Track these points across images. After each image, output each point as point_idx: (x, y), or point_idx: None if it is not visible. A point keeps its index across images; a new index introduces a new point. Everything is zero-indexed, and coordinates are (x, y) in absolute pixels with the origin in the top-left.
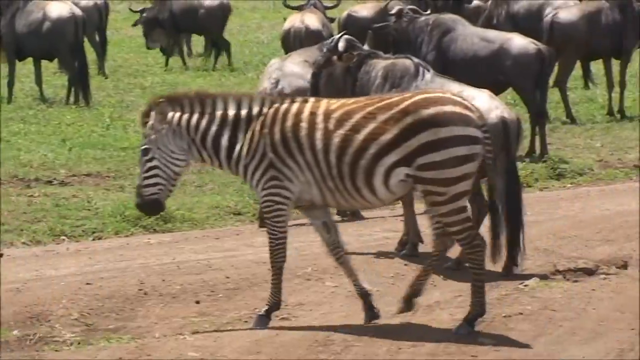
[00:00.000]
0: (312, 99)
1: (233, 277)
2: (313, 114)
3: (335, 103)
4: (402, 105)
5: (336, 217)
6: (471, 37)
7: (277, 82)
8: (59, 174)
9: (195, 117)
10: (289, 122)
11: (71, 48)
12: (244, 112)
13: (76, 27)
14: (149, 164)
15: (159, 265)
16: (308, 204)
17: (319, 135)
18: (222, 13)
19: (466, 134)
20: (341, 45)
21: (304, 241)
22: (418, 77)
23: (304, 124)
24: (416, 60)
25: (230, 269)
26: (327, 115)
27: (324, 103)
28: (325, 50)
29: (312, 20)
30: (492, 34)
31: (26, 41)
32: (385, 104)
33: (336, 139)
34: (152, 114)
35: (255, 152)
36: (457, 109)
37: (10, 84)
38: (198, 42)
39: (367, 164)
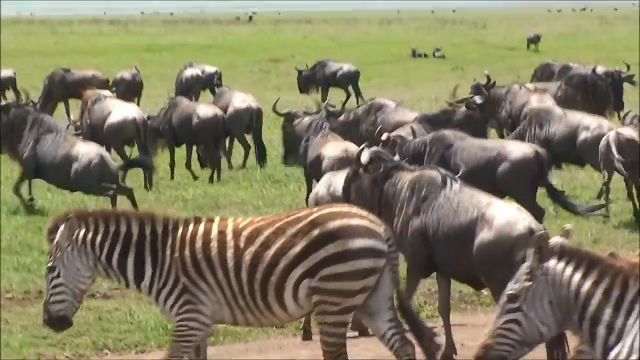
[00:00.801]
0: (217, 218)
1: None
2: (222, 233)
3: (243, 221)
4: (309, 219)
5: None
6: (471, 147)
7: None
8: (101, 287)
9: (100, 235)
10: (199, 243)
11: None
12: (147, 231)
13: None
14: (55, 281)
15: None
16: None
17: (229, 254)
18: (216, 124)
19: (371, 247)
20: (364, 158)
21: None
22: (446, 187)
23: (214, 244)
24: (443, 171)
25: None
26: (237, 234)
27: (231, 221)
28: (353, 163)
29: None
30: (489, 143)
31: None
32: (294, 218)
33: (247, 256)
34: (59, 230)
35: (168, 277)
36: (363, 222)
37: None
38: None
39: (277, 280)
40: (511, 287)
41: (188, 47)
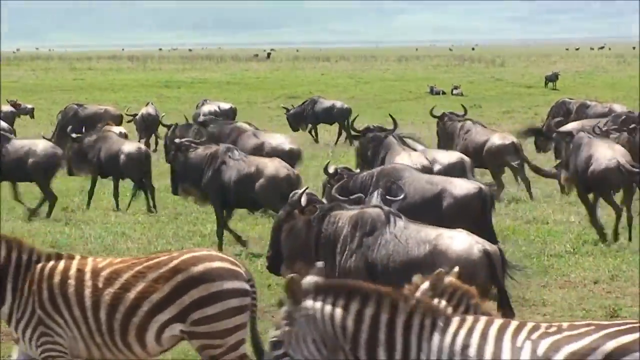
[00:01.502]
0: (78, 256)
1: None
2: (80, 271)
3: (102, 261)
4: (171, 264)
5: None
6: (418, 181)
7: None
8: None
9: None
10: (57, 279)
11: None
12: (13, 257)
13: None
14: None
15: None
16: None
17: (87, 292)
18: (139, 158)
19: (236, 287)
20: (304, 200)
21: None
22: (390, 224)
23: (71, 281)
24: (386, 208)
25: None
26: (96, 273)
27: (91, 261)
28: (287, 205)
29: None
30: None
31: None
32: (154, 263)
33: (106, 297)
34: None
35: (25, 308)
36: (225, 265)
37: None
38: None
39: (140, 321)
40: (273, 335)
41: (206, 84)
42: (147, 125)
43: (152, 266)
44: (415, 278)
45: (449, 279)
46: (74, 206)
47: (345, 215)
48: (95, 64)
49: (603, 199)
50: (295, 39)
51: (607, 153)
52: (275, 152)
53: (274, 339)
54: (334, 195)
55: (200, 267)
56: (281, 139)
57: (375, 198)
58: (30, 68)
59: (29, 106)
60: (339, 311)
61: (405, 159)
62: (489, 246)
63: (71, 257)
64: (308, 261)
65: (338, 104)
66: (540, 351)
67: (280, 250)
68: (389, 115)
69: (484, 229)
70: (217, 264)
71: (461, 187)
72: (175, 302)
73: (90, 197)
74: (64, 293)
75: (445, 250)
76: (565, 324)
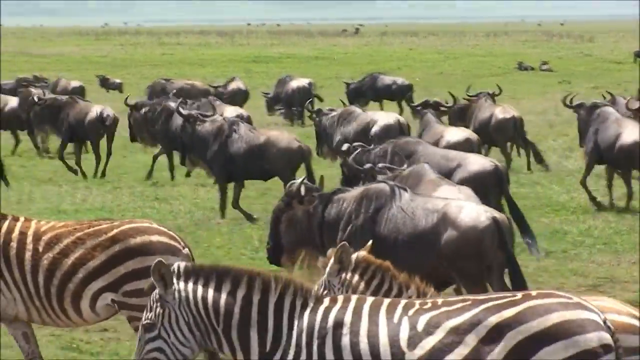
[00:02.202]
0: (22, 218)
1: None
2: (23, 234)
3: (45, 225)
4: (110, 233)
5: None
6: (432, 155)
7: None
8: None
9: None
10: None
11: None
12: None
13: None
14: None
15: None
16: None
17: (27, 255)
18: (102, 124)
19: (171, 263)
20: (303, 190)
21: None
22: (396, 197)
23: (13, 244)
24: (391, 182)
25: None
26: (37, 237)
27: (34, 224)
28: (284, 196)
29: None
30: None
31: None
32: (95, 230)
33: (45, 261)
34: None
35: None
36: (164, 239)
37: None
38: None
39: (75, 288)
40: (145, 317)
41: (294, 59)
42: (236, 101)
43: (92, 233)
44: (329, 252)
45: (362, 253)
46: (163, 181)
47: (349, 196)
48: (184, 39)
49: (623, 177)
50: (384, 14)
51: (635, 130)
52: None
53: (147, 321)
54: (351, 164)
55: (138, 239)
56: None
57: (378, 168)
58: (119, 43)
59: (118, 81)
60: (211, 293)
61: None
62: (497, 214)
63: (16, 219)
64: (311, 250)
65: (399, 80)
66: (420, 327)
67: (280, 241)
68: (449, 92)
69: (499, 206)
70: (155, 238)
71: (477, 162)
72: (110, 271)
73: (171, 171)
74: (5, 254)
75: (454, 219)
76: (439, 300)
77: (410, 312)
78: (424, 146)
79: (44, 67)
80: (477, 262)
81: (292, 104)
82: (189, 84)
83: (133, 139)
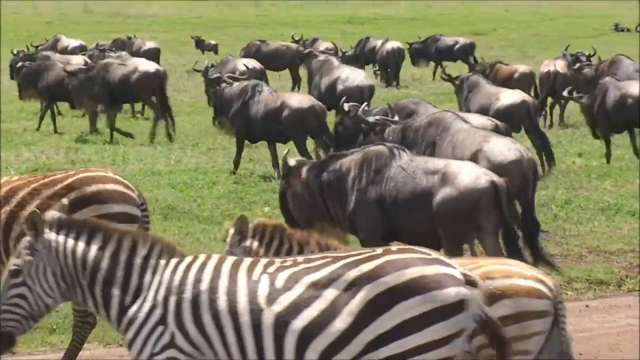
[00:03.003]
0: None
1: None
2: None
3: (1, 180)
4: (66, 182)
5: None
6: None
7: None
8: None
9: None
10: None
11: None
12: None
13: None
14: None
15: None
16: None
17: None
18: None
19: (125, 211)
20: (291, 163)
21: None
22: (396, 158)
23: None
24: (389, 144)
25: None
26: None
27: None
28: (282, 174)
29: None
30: None
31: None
32: (50, 180)
33: (3, 215)
34: None
35: None
36: (118, 187)
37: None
38: None
39: None
40: (14, 262)
41: (390, 20)
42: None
43: (48, 183)
44: (226, 224)
45: (257, 220)
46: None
47: (347, 160)
48: None
49: (631, 137)
50: None
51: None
52: None
53: (14, 266)
54: (360, 116)
55: (93, 188)
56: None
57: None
58: (214, 4)
59: (213, 42)
60: (81, 246)
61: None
62: (496, 178)
63: None
64: (323, 219)
65: (461, 40)
66: (279, 283)
67: (293, 218)
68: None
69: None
70: (110, 186)
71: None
72: None
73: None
74: None
75: (453, 179)
76: (300, 258)
77: (270, 270)
78: (424, 106)
79: (139, 28)
80: (467, 223)
81: (387, 66)
82: (284, 46)
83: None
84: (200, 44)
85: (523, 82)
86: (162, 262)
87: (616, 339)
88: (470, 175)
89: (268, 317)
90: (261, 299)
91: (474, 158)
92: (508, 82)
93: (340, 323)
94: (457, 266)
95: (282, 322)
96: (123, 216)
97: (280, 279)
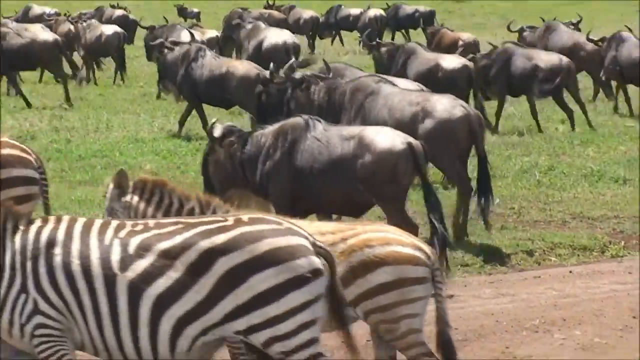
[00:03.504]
0: None
1: (461, 329)
2: None
3: None
4: None
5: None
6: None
7: None
8: None
9: None
10: None
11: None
12: None
13: None
14: None
15: None
16: None
17: None
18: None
19: (23, 175)
20: (217, 132)
21: (531, 292)
22: (310, 129)
23: None
24: (305, 116)
25: (459, 320)
26: None
27: None
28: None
29: None
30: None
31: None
32: None
33: None
34: None
35: None
36: (15, 152)
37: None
38: None
39: None
40: None
41: None
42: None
43: None
44: (106, 180)
45: (141, 175)
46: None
47: (267, 132)
48: None
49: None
50: None
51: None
52: None
53: None
54: (286, 72)
55: None
56: None
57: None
58: None
59: (195, 10)
60: None
61: None
62: (412, 140)
63: None
64: (240, 188)
65: (421, 8)
66: (131, 249)
67: (211, 184)
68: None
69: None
70: (7, 151)
71: (443, 109)
72: None
73: None
74: None
75: (369, 144)
76: (152, 222)
77: (122, 234)
78: (351, 70)
79: None
80: (393, 184)
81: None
82: (265, 13)
83: None
84: (182, 12)
85: (467, 51)
86: (9, 226)
87: (600, 305)
88: (386, 139)
89: (122, 283)
90: (114, 264)
91: (415, 118)
92: (452, 49)
93: (195, 294)
94: (308, 235)
95: (135, 289)
96: (22, 180)
97: (133, 245)
